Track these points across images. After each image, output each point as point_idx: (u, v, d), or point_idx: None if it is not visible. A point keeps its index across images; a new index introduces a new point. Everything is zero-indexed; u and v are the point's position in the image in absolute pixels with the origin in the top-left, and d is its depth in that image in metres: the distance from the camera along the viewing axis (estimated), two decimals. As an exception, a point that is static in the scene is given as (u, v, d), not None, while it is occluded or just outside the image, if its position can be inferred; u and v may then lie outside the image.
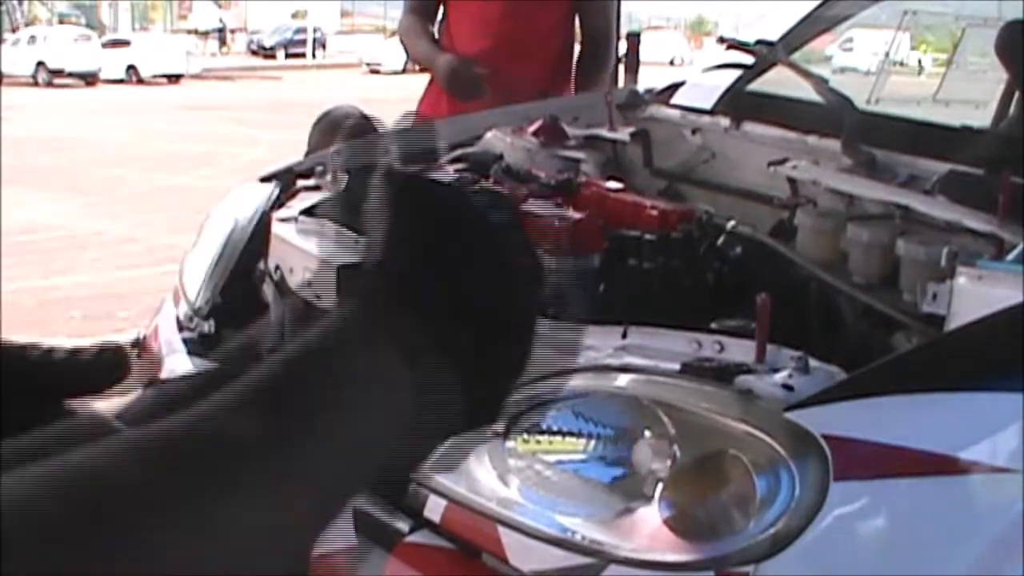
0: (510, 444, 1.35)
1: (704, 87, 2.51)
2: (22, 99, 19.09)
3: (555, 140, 2.38)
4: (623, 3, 4.55)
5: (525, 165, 2.20)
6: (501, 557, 1.27)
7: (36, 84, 24.96)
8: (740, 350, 1.36)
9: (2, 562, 0.37)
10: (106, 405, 0.59)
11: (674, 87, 2.57)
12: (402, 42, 3.34)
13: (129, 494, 0.41)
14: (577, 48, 3.24)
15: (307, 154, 2.85)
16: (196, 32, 38.97)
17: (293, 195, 2.22)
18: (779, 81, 2.43)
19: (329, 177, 2.20)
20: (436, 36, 3.22)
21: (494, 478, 1.33)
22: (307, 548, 0.51)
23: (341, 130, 2.82)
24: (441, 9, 3.25)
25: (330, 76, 28.80)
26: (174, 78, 27.23)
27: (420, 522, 1.37)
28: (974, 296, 1.40)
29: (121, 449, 0.44)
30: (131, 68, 26.98)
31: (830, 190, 1.93)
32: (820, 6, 2.70)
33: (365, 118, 2.88)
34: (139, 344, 2.27)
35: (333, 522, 0.52)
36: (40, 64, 25.58)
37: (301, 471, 0.47)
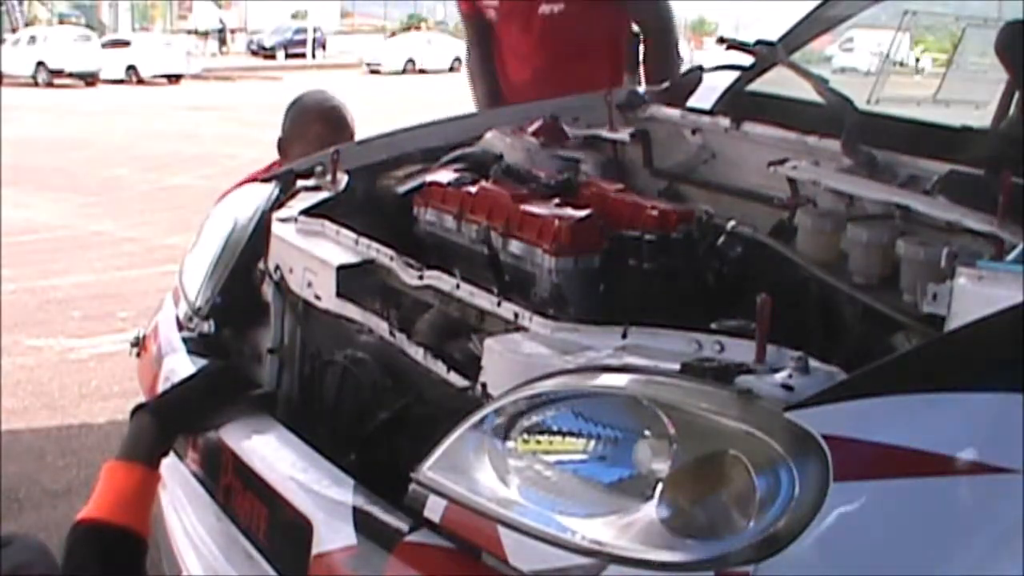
0: (510, 444, 1.35)
1: (704, 87, 2.51)
2: (22, 99, 19.09)
3: (555, 140, 2.37)
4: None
5: (525, 165, 2.20)
6: (501, 557, 1.27)
7: (36, 84, 24.96)
8: (740, 350, 1.35)
9: None
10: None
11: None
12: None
13: None
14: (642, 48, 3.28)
15: (281, 139, 2.86)
16: (196, 32, 38.96)
17: (293, 195, 2.22)
18: (779, 81, 2.42)
19: (329, 177, 2.20)
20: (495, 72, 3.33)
21: (494, 478, 1.33)
22: None
23: (317, 114, 2.83)
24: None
25: (330, 76, 28.78)
26: (174, 78, 27.23)
27: (420, 522, 1.37)
28: (974, 296, 1.40)
29: None
30: (131, 68, 26.99)
31: (830, 190, 1.92)
32: (820, 6, 2.69)
33: (338, 103, 2.90)
34: (139, 344, 2.27)
35: None
36: (40, 64, 25.59)
37: None
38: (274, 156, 2.89)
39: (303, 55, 36.87)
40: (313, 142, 2.72)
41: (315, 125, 2.80)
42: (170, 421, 1.76)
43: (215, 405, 1.83)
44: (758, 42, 2.35)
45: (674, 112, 2.43)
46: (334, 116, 2.85)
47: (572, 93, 2.67)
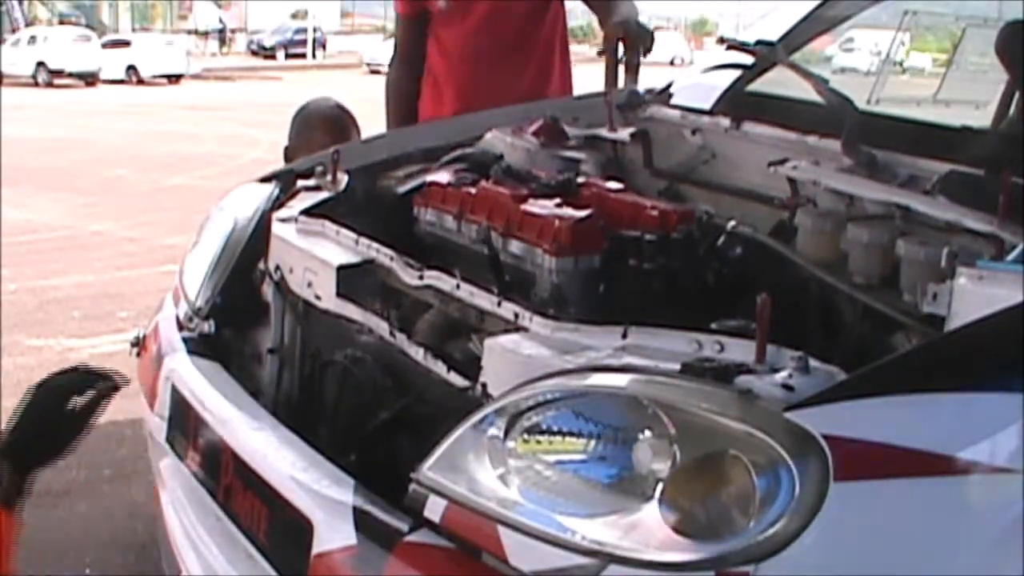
0: (510, 444, 1.35)
1: (704, 87, 2.51)
2: (22, 99, 19.08)
3: (555, 140, 2.37)
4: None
5: (525, 165, 2.20)
6: (501, 557, 1.27)
7: (36, 84, 24.95)
8: (740, 350, 1.36)
9: None
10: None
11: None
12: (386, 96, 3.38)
13: None
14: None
15: (287, 148, 2.86)
16: (196, 32, 38.97)
17: (293, 195, 2.22)
18: (779, 81, 2.42)
19: (329, 177, 2.20)
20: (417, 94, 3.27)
21: (494, 478, 1.33)
22: None
23: (320, 122, 2.83)
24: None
25: (330, 76, 28.77)
26: (174, 78, 27.24)
27: (420, 522, 1.37)
28: (974, 296, 1.40)
29: None
30: (131, 68, 26.99)
31: (830, 190, 1.92)
32: (820, 6, 2.69)
33: (343, 111, 2.90)
34: (139, 344, 2.27)
35: None
36: (40, 64, 25.59)
37: None
38: (275, 156, 2.90)
39: (303, 55, 36.87)
40: (318, 151, 2.73)
41: (320, 134, 2.80)
42: (22, 458, 1.65)
43: (63, 419, 1.72)
44: (758, 42, 2.35)
45: (674, 112, 2.43)
46: (339, 124, 2.85)
47: (505, 93, 2.66)
